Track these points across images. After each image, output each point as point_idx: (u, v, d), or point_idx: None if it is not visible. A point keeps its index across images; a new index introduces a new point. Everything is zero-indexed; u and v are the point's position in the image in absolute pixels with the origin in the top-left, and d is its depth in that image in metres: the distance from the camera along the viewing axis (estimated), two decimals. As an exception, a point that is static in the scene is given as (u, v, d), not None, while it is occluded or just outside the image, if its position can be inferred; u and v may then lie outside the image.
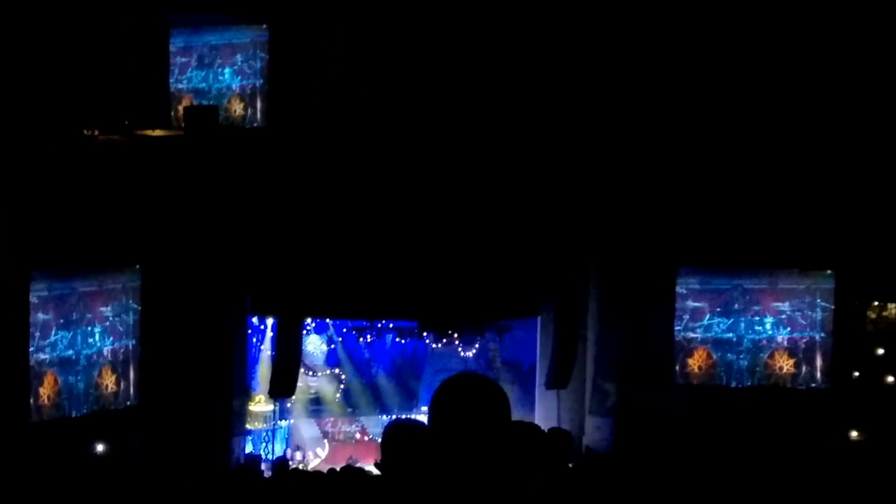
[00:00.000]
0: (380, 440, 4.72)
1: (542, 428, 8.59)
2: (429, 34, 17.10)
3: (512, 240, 17.80)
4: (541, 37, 17.18)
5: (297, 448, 18.64)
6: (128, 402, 16.13)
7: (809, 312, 17.39)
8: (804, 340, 17.44)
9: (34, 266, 14.53)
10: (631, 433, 17.10)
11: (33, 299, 14.56)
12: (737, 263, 17.52)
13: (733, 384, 17.52)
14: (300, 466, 18.07)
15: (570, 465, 15.11)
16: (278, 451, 18.27)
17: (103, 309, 15.74)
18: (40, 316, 14.70)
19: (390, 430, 4.80)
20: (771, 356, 17.50)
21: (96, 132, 15.81)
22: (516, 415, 19.11)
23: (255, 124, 17.73)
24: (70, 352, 15.21)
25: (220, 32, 17.93)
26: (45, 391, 14.83)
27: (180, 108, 17.83)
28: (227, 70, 17.92)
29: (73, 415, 15.27)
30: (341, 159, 17.02)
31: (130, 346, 16.19)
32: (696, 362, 17.65)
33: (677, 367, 17.64)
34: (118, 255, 15.82)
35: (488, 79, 17.29)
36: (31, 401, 14.57)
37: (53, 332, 14.93)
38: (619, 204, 17.53)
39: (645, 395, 16.95)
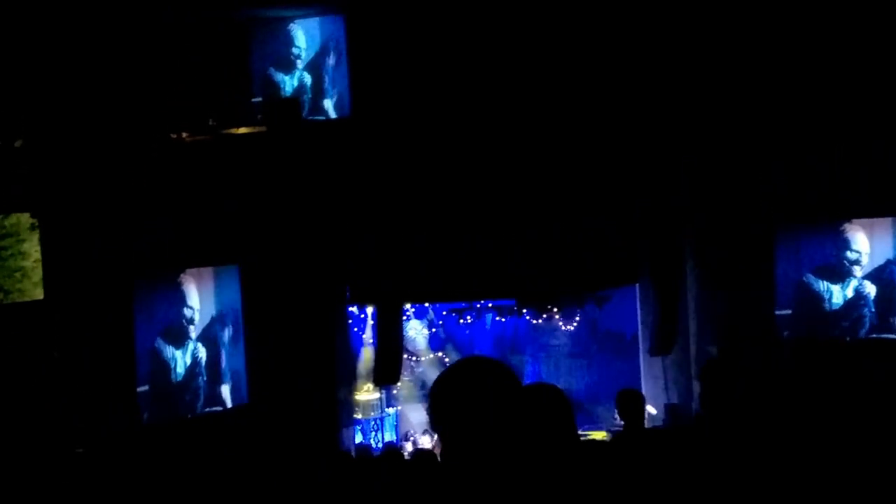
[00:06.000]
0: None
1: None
2: (512, 18, 16.94)
3: (606, 210, 17.68)
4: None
5: (407, 435, 18.73)
6: (236, 402, 16.32)
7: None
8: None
9: (136, 274, 14.79)
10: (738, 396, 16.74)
11: (137, 305, 14.80)
12: (836, 217, 17.14)
13: (837, 333, 17.12)
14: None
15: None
16: (388, 440, 18.37)
17: (207, 309, 15.94)
18: (145, 316, 14.95)
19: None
20: (877, 307, 17.09)
21: (184, 135, 16.01)
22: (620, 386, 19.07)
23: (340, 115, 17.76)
24: (178, 354, 15.45)
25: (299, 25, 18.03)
26: (158, 391, 15.08)
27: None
28: (307, 63, 17.99)
29: (185, 414, 15.52)
30: (428, 143, 17.00)
31: (237, 345, 16.37)
32: (798, 315, 17.31)
33: (780, 323, 17.32)
34: (216, 255, 16.02)
35: (578, 56, 17.09)
36: (144, 405, 14.85)
37: (159, 337, 15.20)
38: (711, 167, 17.29)
39: (750, 355, 16.66)
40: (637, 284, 18.40)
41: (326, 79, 17.82)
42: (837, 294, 17.12)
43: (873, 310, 17.03)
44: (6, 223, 14.12)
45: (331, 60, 17.74)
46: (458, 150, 16.92)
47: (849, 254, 17.06)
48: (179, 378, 15.48)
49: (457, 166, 16.93)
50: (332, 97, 17.77)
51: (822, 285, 17.16)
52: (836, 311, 17.15)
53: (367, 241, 17.08)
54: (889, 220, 16.98)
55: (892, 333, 16.98)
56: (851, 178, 16.89)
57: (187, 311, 15.65)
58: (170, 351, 15.30)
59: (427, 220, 17.09)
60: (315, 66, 17.83)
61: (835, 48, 16.46)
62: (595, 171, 17.26)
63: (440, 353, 19.26)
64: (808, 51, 16.52)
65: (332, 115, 17.72)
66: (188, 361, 15.59)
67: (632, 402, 8.33)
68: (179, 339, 15.50)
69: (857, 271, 17.02)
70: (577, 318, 18.93)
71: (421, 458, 11.04)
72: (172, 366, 15.35)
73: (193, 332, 15.75)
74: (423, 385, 19.29)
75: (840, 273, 17.14)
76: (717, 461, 4.98)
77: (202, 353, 15.83)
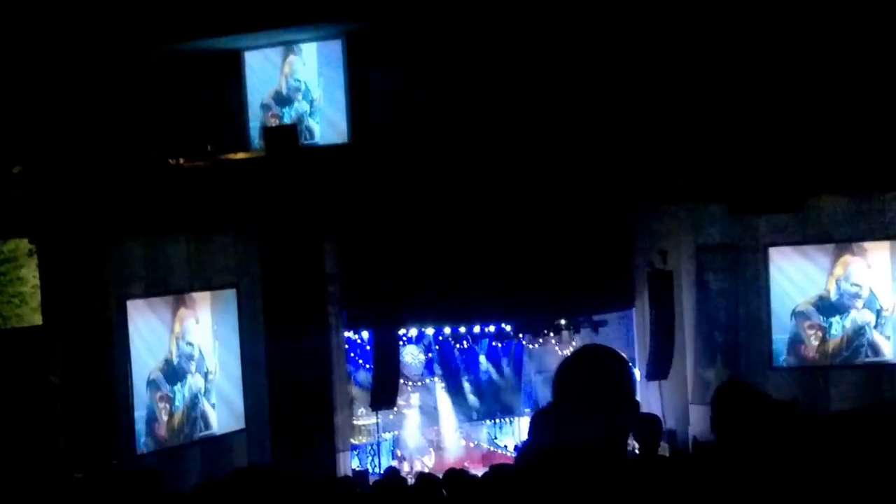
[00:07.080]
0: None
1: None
2: (509, 31, 17.00)
3: (601, 235, 17.79)
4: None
5: (404, 458, 18.69)
6: (233, 427, 16.31)
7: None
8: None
9: (134, 296, 14.83)
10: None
11: (132, 328, 14.81)
12: (828, 240, 17.18)
13: (837, 363, 17.13)
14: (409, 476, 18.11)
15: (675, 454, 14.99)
16: (385, 465, 18.31)
17: (204, 333, 15.95)
18: (142, 344, 14.97)
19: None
20: (873, 332, 17.07)
21: (181, 160, 16.07)
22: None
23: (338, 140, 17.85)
24: (176, 388, 15.45)
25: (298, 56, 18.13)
26: (154, 422, 15.09)
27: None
28: (303, 88, 18.08)
29: (182, 443, 15.53)
30: (426, 168, 17.06)
31: (235, 370, 16.37)
32: (796, 343, 17.32)
33: (777, 349, 17.34)
34: (215, 279, 16.05)
35: (580, 82, 17.18)
36: (140, 431, 14.86)
37: (159, 371, 15.20)
38: (707, 184, 17.37)
39: (747, 379, 16.66)
40: (633, 309, 18.47)
41: (323, 105, 17.93)
42: (836, 325, 17.10)
43: (872, 338, 17.00)
44: (5, 248, 14.16)
45: (328, 87, 17.86)
46: (452, 175, 17.00)
47: (849, 287, 17.03)
48: (177, 410, 15.47)
49: (451, 192, 17.01)
50: (328, 123, 17.88)
51: (821, 318, 17.15)
52: (835, 341, 17.14)
53: (362, 266, 17.13)
54: (887, 244, 17.05)
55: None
56: (851, 200, 16.97)
57: (186, 348, 15.66)
58: (167, 386, 15.29)
59: (423, 245, 17.16)
60: (312, 94, 17.94)
61: (834, 80, 16.48)
62: (592, 186, 17.40)
63: (436, 378, 19.23)
64: (805, 69, 16.57)
65: (329, 140, 17.83)
66: (186, 394, 15.58)
67: (650, 428, 8.29)
68: (178, 375, 15.51)
69: (858, 304, 17.00)
70: (574, 343, 18.91)
71: (424, 482, 11.06)
72: (171, 397, 15.34)
73: (193, 366, 15.75)
74: (419, 410, 19.24)
75: (840, 306, 17.12)
76: (741, 488, 4.97)
77: (200, 384, 15.83)
